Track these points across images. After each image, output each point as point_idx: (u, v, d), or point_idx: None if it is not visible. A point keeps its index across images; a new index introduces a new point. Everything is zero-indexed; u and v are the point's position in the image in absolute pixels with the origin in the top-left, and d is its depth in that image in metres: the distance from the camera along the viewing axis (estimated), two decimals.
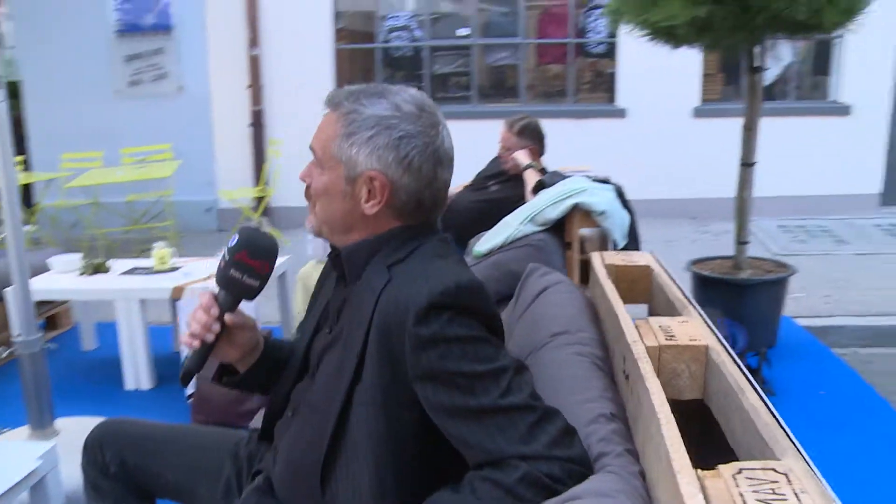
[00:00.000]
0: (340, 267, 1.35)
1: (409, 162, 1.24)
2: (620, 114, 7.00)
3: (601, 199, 2.82)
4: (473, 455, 1.14)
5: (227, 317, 1.34)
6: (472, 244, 3.03)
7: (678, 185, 6.87)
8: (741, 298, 3.51)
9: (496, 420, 1.12)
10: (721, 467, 0.91)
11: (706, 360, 1.33)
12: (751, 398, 1.10)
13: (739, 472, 0.90)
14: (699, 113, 6.93)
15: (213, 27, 6.90)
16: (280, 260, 3.71)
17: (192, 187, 6.94)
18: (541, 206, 2.84)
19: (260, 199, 6.80)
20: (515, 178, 3.63)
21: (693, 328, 1.40)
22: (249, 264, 1.30)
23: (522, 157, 3.53)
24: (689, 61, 6.48)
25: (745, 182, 3.56)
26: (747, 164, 3.54)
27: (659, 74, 6.50)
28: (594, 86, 7.43)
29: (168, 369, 3.65)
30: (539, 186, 3.08)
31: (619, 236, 2.86)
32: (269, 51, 6.86)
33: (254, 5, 6.76)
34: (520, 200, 3.61)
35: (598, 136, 6.79)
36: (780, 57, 6.85)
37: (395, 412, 1.21)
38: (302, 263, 3.75)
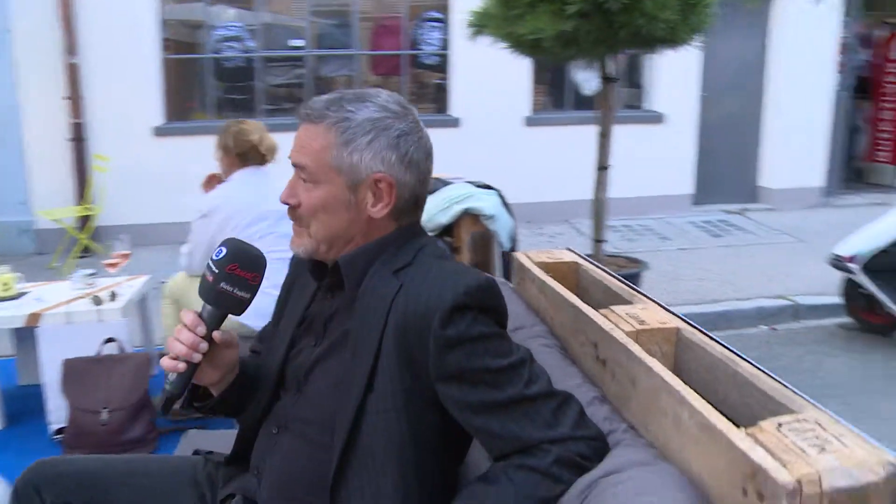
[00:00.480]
0: (334, 277, 1.32)
1: (410, 159, 1.27)
2: (454, 123, 7.23)
3: (489, 203, 2.94)
4: (502, 446, 1.18)
5: (216, 334, 1.28)
6: None
7: (512, 190, 7.15)
8: None
9: (523, 409, 1.17)
10: (762, 423, 1.03)
11: (676, 339, 1.46)
12: (746, 367, 1.24)
13: (780, 425, 1.02)
14: (531, 122, 7.32)
15: (20, 32, 6.31)
16: (142, 279, 3.52)
17: (2, 208, 6.32)
18: (431, 213, 2.91)
19: (85, 219, 6.31)
20: None
21: (657, 313, 1.53)
22: (241, 276, 1.25)
23: None
24: (521, 73, 6.85)
25: (601, 184, 3.85)
26: (603, 167, 3.82)
27: (491, 85, 6.81)
28: (428, 96, 7.63)
29: (18, 405, 3.31)
30: None
31: (506, 239, 3.00)
32: (89, 59, 6.38)
33: (68, 11, 6.26)
34: None
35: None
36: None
37: (417, 416, 1.22)
38: (156, 283, 3.55)
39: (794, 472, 0.91)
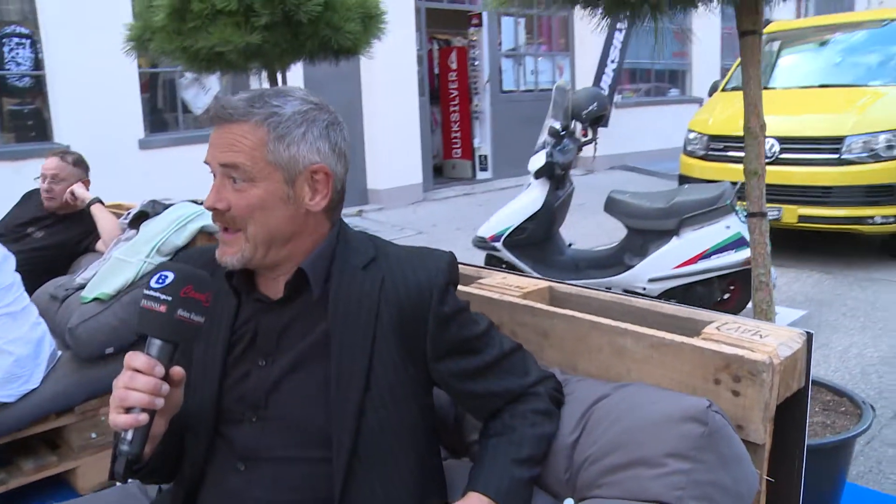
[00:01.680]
0: (295, 285, 1.25)
1: (339, 149, 1.28)
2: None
3: None
4: (498, 402, 1.31)
5: (176, 370, 1.14)
6: (81, 292, 2.70)
7: None
8: None
9: (506, 365, 1.32)
10: (705, 330, 1.33)
11: (550, 297, 1.69)
12: (638, 302, 1.53)
13: (719, 328, 1.33)
14: (144, 144, 6.90)
15: None
16: None
17: None
18: (164, 235, 2.72)
19: None
20: (69, 217, 3.27)
21: (521, 279, 1.74)
22: (196, 298, 1.12)
23: (83, 190, 3.21)
24: (130, 94, 6.45)
25: None
26: None
27: (99, 108, 6.32)
28: (22, 124, 6.66)
29: None
30: (141, 217, 2.89)
31: None
32: None
33: None
34: (83, 240, 3.28)
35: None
36: (207, 86, 7.31)
37: (419, 401, 1.28)
38: None
39: (761, 353, 1.22)
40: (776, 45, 7.36)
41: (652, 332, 1.36)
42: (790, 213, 5.61)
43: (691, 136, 6.75)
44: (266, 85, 3.75)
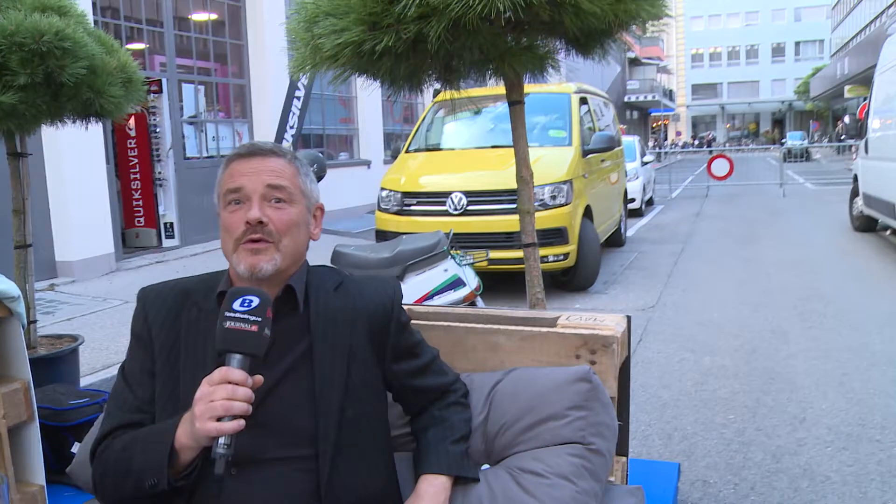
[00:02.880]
0: (287, 299, 1.45)
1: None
2: None
3: (10, 284, 2.70)
4: (431, 397, 1.62)
5: (257, 378, 1.28)
6: None
7: None
8: None
9: (434, 367, 1.64)
10: (559, 321, 1.78)
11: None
12: (494, 311, 1.94)
13: (568, 318, 1.80)
14: None
15: None
16: None
17: None
18: None
19: None
20: None
21: None
22: (270, 318, 1.30)
23: None
24: None
25: (27, 265, 3.67)
26: (23, 246, 3.66)
27: None
28: None
29: None
30: None
31: (25, 316, 2.81)
32: None
33: None
34: None
35: None
36: None
37: (381, 399, 1.55)
38: None
39: (609, 331, 1.70)
40: (441, 112, 8.45)
41: (521, 328, 1.78)
42: (481, 257, 6.52)
43: (384, 193, 7.42)
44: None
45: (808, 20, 67.85)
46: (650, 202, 16.13)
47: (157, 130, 9.85)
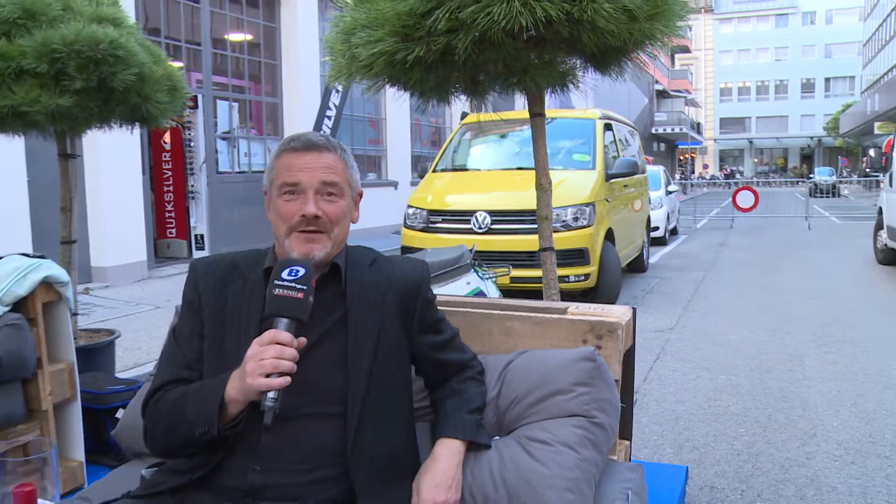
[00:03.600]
0: (334, 275, 1.62)
1: None
2: None
3: (61, 270, 2.90)
4: (451, 371, 1.75)
5: (301, 340, 1.43)
6: None
7: None
8: None
9: (456, 343, 1.79)
10: (569, 310, 1.92)
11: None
12: (508, 302, 2.08)
13: (577, 307, 1.93)
14: None
15: None
16: None
17: None
18: (5, 286, 2.68)
19: None
20: None
21: None
22: (314, 287, 1.45)
23: None
24: None
25: (71, 259, 3.87)
26: (69, 241, 3.87)
27: None
28: None
29: None
30: None
31: (73, 303, 3.00)
32: None
33: None
34: None
35: None
36: None
37: (406, 367, 1.68)
38: None
39: (615, 318, 1.84)
40: (468, 134, 8.65)
41: (534, 315, 1.92)
42: (503, 272, 6.65)
43: (410, 211, 7.61)
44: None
45: (838, 56, 67.69)
46: (674, 231, 16.17)
47: (192, 145, 10.16)
